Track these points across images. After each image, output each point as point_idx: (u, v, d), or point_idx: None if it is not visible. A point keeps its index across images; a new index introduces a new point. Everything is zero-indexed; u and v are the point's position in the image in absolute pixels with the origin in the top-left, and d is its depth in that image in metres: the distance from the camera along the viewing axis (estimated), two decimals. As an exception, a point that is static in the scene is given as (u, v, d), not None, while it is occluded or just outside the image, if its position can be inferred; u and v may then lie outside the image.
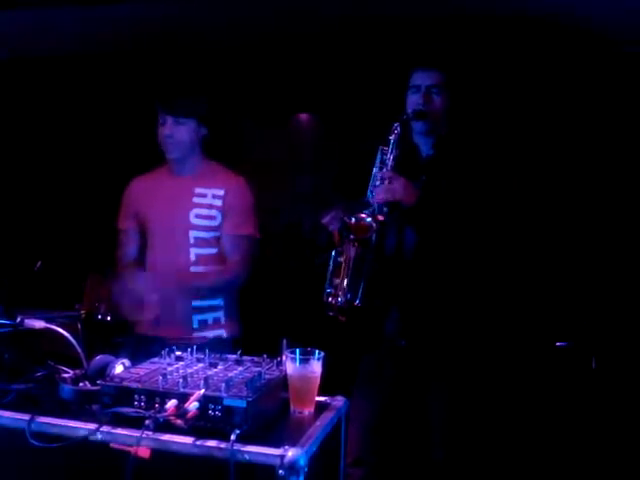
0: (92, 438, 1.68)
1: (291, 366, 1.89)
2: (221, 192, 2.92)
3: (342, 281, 2.46)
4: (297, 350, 1.90)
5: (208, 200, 2.91)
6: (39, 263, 4.55)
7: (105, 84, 5.62)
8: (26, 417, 1.75)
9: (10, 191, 5.94)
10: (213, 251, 2.94)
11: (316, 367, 1.90)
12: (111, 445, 1.67)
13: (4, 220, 5.33)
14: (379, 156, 2.60)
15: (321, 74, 5.16)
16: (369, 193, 2.55)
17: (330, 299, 2.49)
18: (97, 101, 5.74)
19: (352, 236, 2.43)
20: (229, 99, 5.06)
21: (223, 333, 2.96)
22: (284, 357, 1.94)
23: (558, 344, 4.59)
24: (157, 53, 5.25)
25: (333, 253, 2.50)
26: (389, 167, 2.55)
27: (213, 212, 2.91)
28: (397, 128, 2.57)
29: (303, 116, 5.81)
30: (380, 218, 2.46)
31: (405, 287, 2.65)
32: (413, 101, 2.66)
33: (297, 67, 5.26)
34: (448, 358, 2.64)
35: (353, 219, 2.43)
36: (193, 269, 2.92)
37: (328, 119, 5.15)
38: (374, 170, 2.59)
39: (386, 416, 2.72)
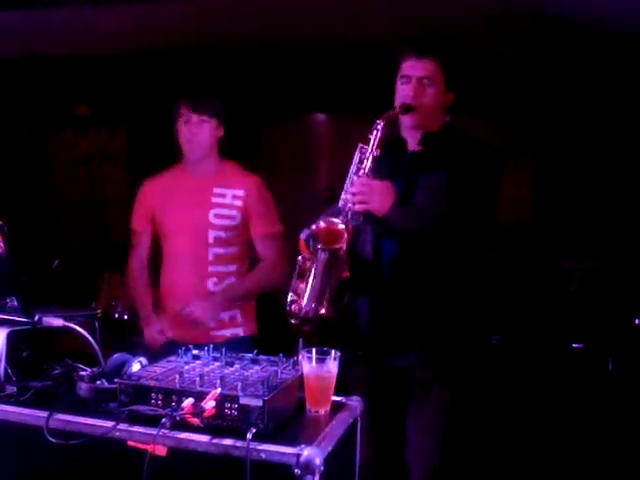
0: (109, 436, 1.68)
1: (307, 366, 1.89)
2: (241, 192, 2.93)
3: (307, 288, 2.24)
4: (313, 350, 1.90)
5: (228, 200, 2.92)
6: (56, 261, 4.58)
7: (126, 83, 5.65)
8: (44, 414, 1.77)
9: (28, 190, 5.99)
10: (231, 250, 2.95)
11: (332, 367, 1.89)
12: (128, 443, 1.68)
13: (22, 218, 5.38)
14: (357, 155, 2.35)
15: (337, 75, 5.17)
16: (342, 195, 2.33)
17: (293, 306, 2.26)
18: (123, 100, 5.78)
19: (320, 245, 2.22)
20: (246, 100, 5.07)
21: (240, 331, 2.97)
22: (300, 356, 1.94)
23: (574, 345, 4.57)
24: (176, 53, 5.27)
25: (300, 258, 2.28)
26: (367, 169, 2.32)
27: (233, 212, 2.92)
28: (379, 125, 2.34)
29: (320, 116, 5.83)
30: (352, 225, 2.27)
31: (383, 296, 2.46)
32: (403, 93, 2.43)
33: (314, 68, 5.27)
34: (430, 375, 2.46)
35: (323, 223, 2.22)
36: (211, 269, 2.93)
37: (344, 119, 5.17)
38: (350, 171, 2.36)
39: (382, 423, 2.55)
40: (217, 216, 2.91)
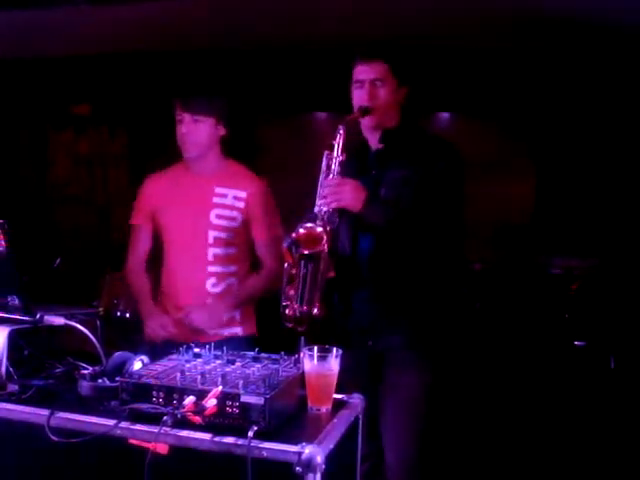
0: (111, 434, 1.69)
1: (308, 363, 1.89)
2: (243, 194, 2.92)
3: (297, 293, 2.37)
4: (315, 348, 1.90)
5: (229, 201, 2.91)
6: (58, 260, 4.59)
7: (125, 82, 5.64)
8: (46, 412, 1.77)
9: (29, 189, 6.00)
10: (231, 251, 2.94)
11: (333, 365, 1.89)
12: (129, 441, 1.68)
13: (24, 216, 5.38)
14: (324, 162, 2.47)
15: (339, 73, 5.17)
16: (317, 201, 2.45)
17: (287, 311, 2.39)
18: (123, 100, 5.78)
19: (302, 250, 2.33)
20: (248, 99, 5.08)
21: (239, 331, 2.96)
22: (302, 354, 1.94)
23: (576, 343, 4.57)
24: (176, 52, 5.27)
25: (285, 265, 2.42)
26: (335, 173, 2.44)
27: (234, 213, 2.91)
28: (340, 131, 2.46)
29: (321, 115, 5.83)
30: (329, 227, 2.38)
31: (364, 287, 2.60)
32: (358, 97, 2.57)
33: (315, 66, 5.27)
34: (409, 357, 2.57)
35: (302, 229, 2.34)
36: (210, 269, 2.92)
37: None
38: (320, 177, 2.48)
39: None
40: (218, 216, 2.90)
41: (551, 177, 5.38)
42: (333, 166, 2.45)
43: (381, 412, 2.60)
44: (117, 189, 5.94)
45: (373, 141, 2.66)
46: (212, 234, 2.91)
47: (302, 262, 2.34)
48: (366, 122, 2.59)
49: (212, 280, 2.92)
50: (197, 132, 2.86)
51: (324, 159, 2.47)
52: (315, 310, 2.35)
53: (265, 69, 5.43)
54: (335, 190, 2.39)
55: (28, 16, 4.52)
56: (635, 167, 5.00)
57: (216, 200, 2.91)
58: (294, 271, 2.37)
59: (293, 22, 4.69)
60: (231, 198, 2.92)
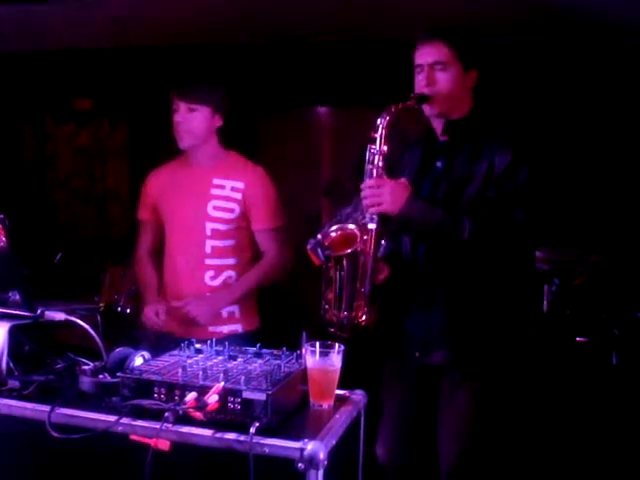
0: (112, 430, 1.68)
1: (311, 359, 1.88)
2: (240, 185, 2.88)
3: (335, 296, 2.24)
4: (317, 343, 1.89)
5: (226, 192, 2.89)
6: (59, 255, 4.58)
7: (127, 76, 5.63)
8: (46, 408, 1.77)
9: (30, 184, 5.99)
10: (229, 243, 2.92)
11: (336, 360, 1.89)
12: (131, 437, 1.67)
13: (24, 211, 5.37)
14: (368, 156, 2.27)
15: (339, 66, 5.16)
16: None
17: (327, 315, 2.26)
18: (125, 94, 5.76)
19: (329, 252, 2.21)
20: (247, 92, 5.06)
21: (239, 328, 2.93)
22: (304, 350, 1.93)
23: (578, 339, 4.56)
24: (177, 46, 5.25)
25: (324, 266, 2.25)
26: (378, 168, 2.25)
27: (231, 205, 2.88)
28: (383, 121, 2.25)
29: (322, 109, 5.81)
30: (371, 227, 2.21)
31: (421, 294, 2.39)
32: (417, 83, 2.34)
33: (316, 59, 5.25)
34: (458, 376, 2.39)
35: (329, 230, 2.23)
36: (208, 261, 2.90)
37: (347, 112, 5.15)
38: (365, 172, 2.28)
39: (413, 424, 2.53)
40: (215, 208, 2.88)
41: (557, 169, 5.35)
42: (376, 161, 2.25)
43: (439, 420, 2.44)
44: (118, 183, 5.93)
45: (439, 131, 2.42)
46: (209, 226, 2.88)
47: (337, 264, 2.22)
48: (426, 110, 2.35)
49: (210, 273, 2.90)
50: (192, 121, 2.84)
51: (367, 154, 2.27)
52: (363, 317, 2.23)
53: (266, 62, 5.42)
54: (373, 194, 2.21)
55: (29, 10, 4.50)
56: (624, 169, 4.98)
57: (214, 192, 2.89)
58: (331, 273, 2.25)
59: (294, 14, 4.67)
60: (228, 189, 2.89)
